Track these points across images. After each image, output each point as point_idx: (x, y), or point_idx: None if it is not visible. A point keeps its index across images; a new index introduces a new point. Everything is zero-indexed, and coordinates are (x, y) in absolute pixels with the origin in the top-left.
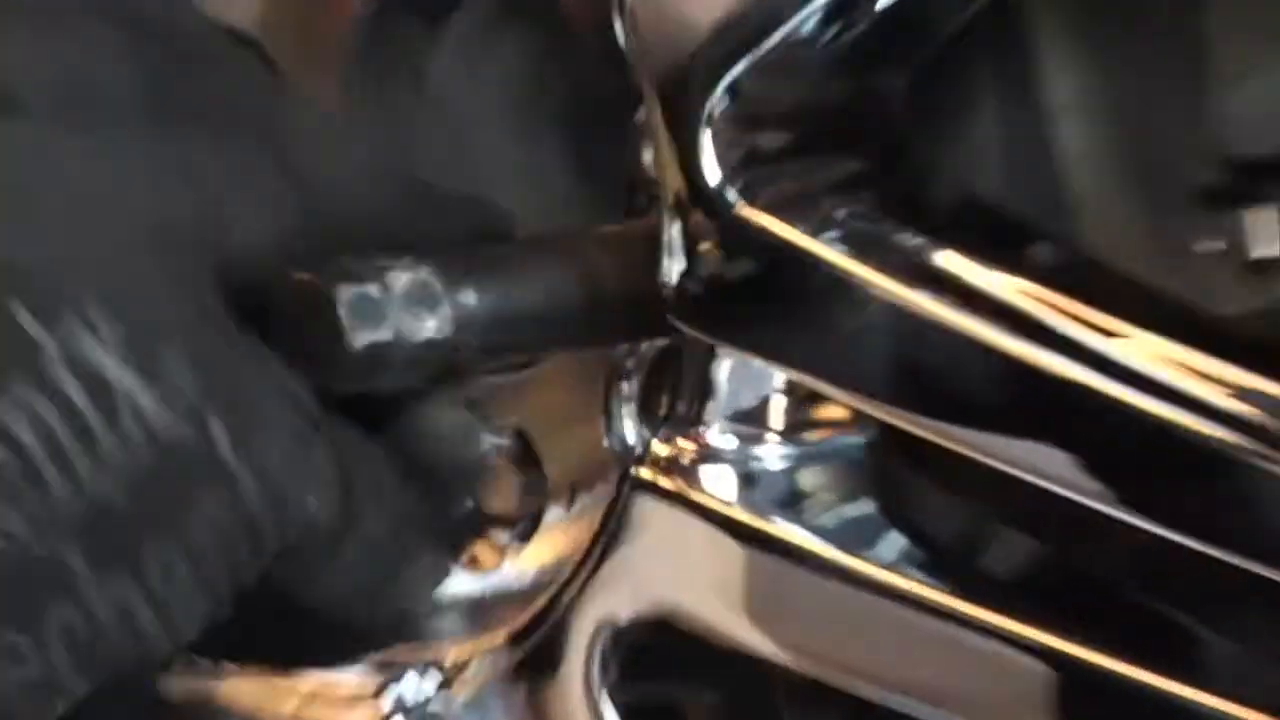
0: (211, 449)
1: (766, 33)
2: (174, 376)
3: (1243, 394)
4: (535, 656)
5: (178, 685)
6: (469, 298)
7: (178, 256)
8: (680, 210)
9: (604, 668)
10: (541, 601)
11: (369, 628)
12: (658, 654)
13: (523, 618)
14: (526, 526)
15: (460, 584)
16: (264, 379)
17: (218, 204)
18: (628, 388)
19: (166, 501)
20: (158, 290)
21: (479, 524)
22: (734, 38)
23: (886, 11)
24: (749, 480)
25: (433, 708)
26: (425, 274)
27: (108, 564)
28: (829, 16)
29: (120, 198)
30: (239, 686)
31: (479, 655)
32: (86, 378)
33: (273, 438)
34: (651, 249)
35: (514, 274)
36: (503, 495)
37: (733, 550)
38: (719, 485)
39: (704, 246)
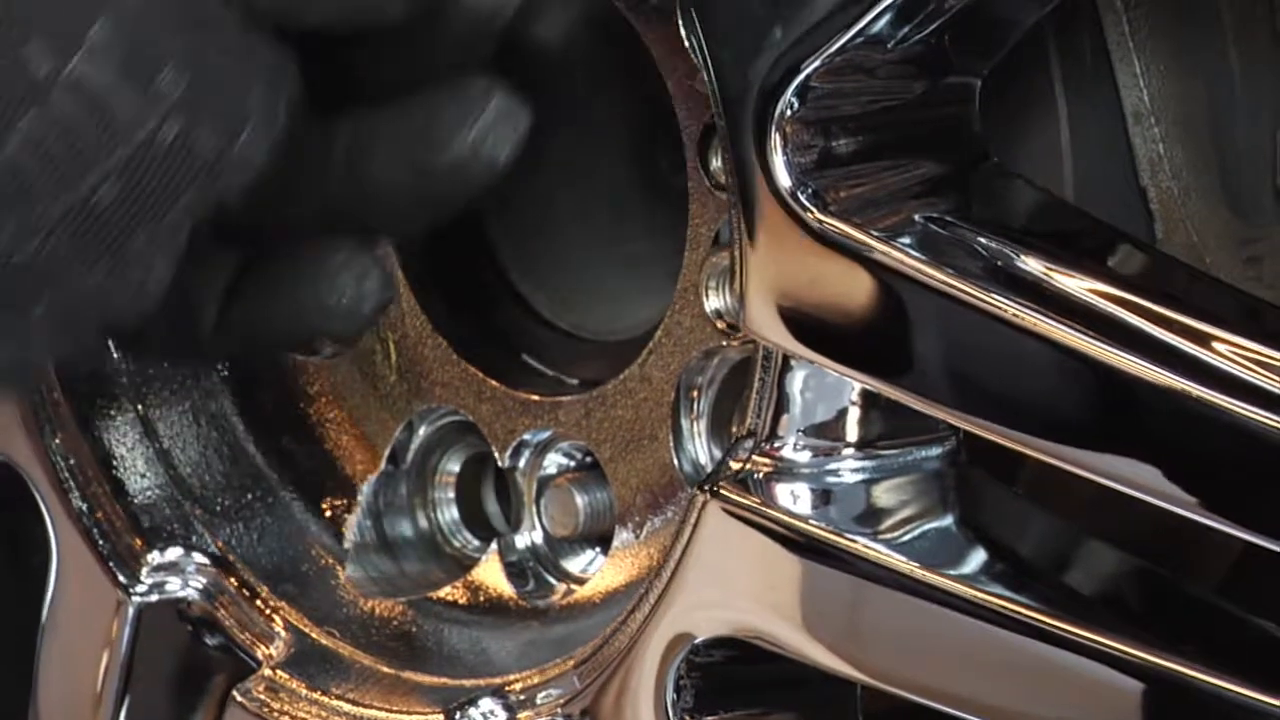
0: (199, 151)
1: (836, 33)
2: (169, 87)
3: None
4: (606, 684)
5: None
6: None
7: None
8: (751, 216)
9: (678, 692)
10: (611, 627)
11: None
12: (733, 676)
13: (593, 644)
14: (595, 550)
15: (528, 610)
16: (249, 63)
17: None
18: (697, 404)
19: (151, 199)
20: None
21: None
22: (803, 38)
23: (958, 11)
24: (825, 496)
25: None
26: None
27: (91, 257)
28: (900, 16)
29: None
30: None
31: (547, 683)
32: (83, 96)
33: (251, 127)
34: None
35: None
36: (571, 518)
37: (809, 568)
38: (794, 501)
39: (776, 253)
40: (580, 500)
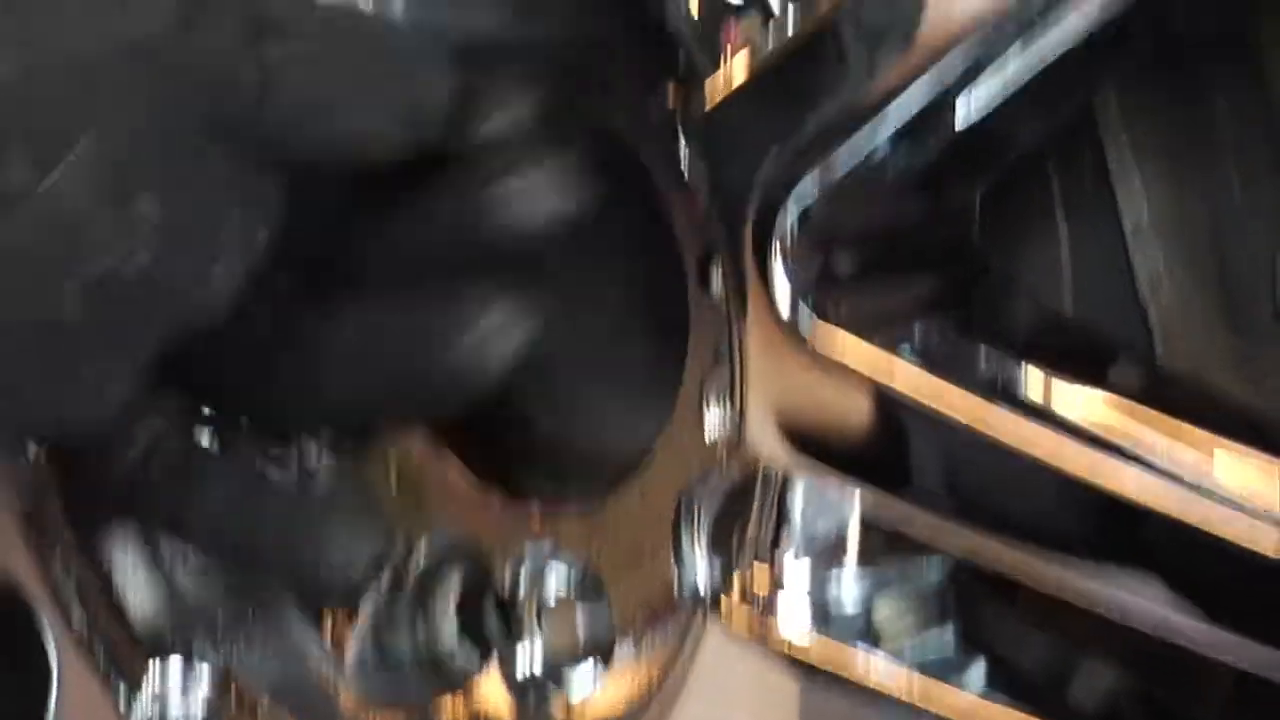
0: (171, 279)
1: (837, 155)
2: (143, 212)
3: None
4: None
5: None
6: None
7: (162, 76)
8: (751, 333)
9: None
10: None
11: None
12: None
13: None
14: (596, 666)
15: None
16: (226, 200)
17: (194, 19)
18: (698, 521)
19: (119, 323)
20: (139, 120)
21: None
22: (803, 160)
23: (960, 132)
24: (825, 610)
25: None
26: None
27: (50, 372)
28: (900, 137)
29: (105, 12)
30: None
31: None
32: (56, 212)
33: (227, 256)
34: None
35: None
36: (571, 634)
37: (810, 686)
38: (794, 617)
39: (777, 369)
40: (581, 616)
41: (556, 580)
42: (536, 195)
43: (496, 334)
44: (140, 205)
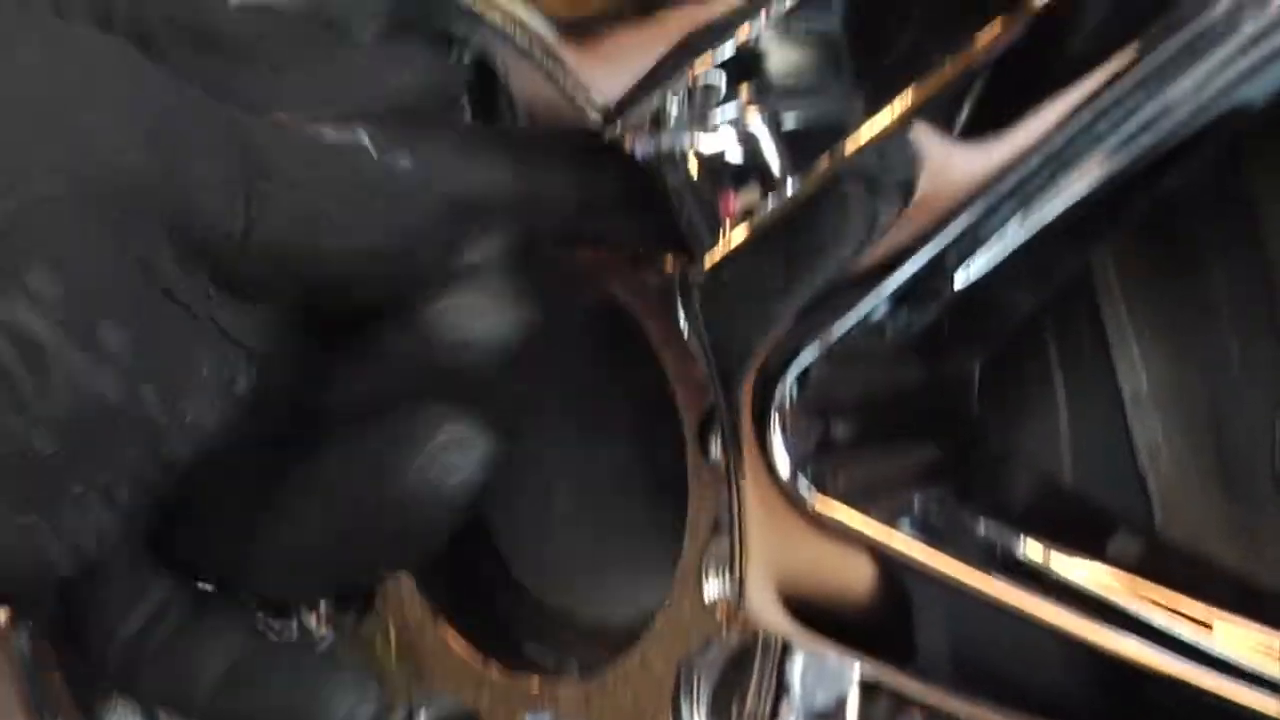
0: (141, 410)
1: (836, 321)
2: (110, 344)
3: None
4: None
5: None
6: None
7: (132, 210)
8: (751, 501)
9: None
10: None
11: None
12: None
13: None
14: None
15: None
16: (198, 338)
17: (179, 162)
18: (697, 691)
19: (90, 453)
20: (104, 253)
21: None
22: (803, 326)
23: (958, 298)
24: None
25: None
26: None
27: (22, 503)
28: (899, 303)
29: (84, 142)
30: None
31: None
32: (21, 343)
33: (201, 394)
34: None
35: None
36: None
37: None
38: None
39: (777, 537)
40: None
41: None
42: (474, 313)
43: (448, 453)
44: (105, 335)
